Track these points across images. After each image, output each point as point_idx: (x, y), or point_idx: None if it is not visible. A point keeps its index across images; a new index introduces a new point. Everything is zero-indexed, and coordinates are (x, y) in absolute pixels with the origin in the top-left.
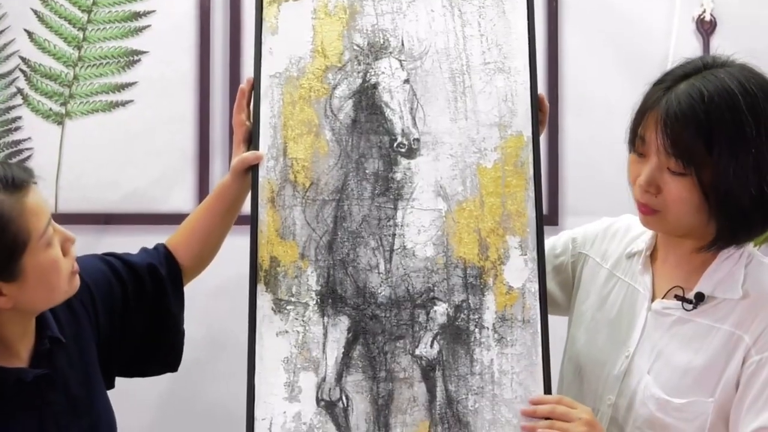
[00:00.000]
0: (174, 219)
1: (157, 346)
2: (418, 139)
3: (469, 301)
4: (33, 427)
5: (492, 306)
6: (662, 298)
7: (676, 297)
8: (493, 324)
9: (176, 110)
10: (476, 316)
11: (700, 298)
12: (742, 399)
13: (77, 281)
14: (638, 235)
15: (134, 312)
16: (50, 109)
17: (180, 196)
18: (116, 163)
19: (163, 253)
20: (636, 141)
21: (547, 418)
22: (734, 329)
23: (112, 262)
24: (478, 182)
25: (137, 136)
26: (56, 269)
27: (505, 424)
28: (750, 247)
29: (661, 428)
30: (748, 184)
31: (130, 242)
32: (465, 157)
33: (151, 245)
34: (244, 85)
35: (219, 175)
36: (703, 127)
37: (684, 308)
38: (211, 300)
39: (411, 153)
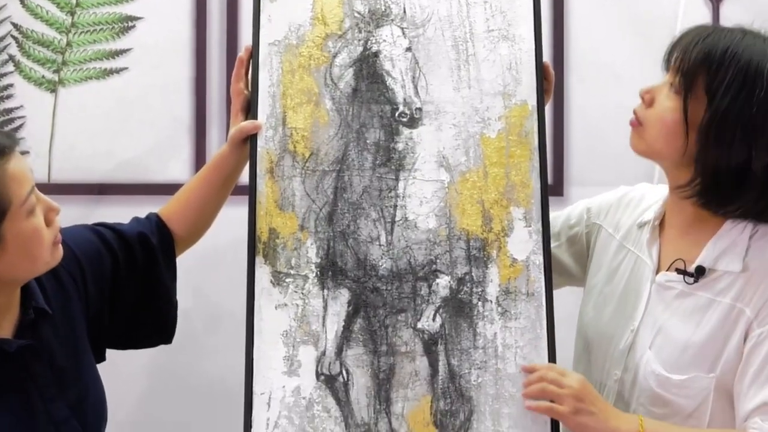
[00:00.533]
0: (170, 189)
1: (149, 317)
2: (420, 109)
3: (472, 274)
4: (18, 400)
5: (495, 279)
6: (666, 270)
7: (677, 270)
8: (497, 297)
9: (172, 78)
10: (479, 289)
11: (700, 271)
12: (744, 373)
13: (60, 252)
14: (650, 204)
15: (125, 282)
16: (43, 77)
17: (176, 166)
18: (110, 132)
19: (155, 222)
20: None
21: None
22: (735, 302)
23: (102, 231)
24: (481, 152)
25: (132, 104)
26: (38, 238)
27: (509, 399)
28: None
29: (663, 404)
30: (733, 144)
31: (124, 213)
32: (468, 126)
33: (145, 216)
34: (242, 53)
35: (216, 144)
36: (717, 60)
37: (685, 281)
38: (207, 272)
39: (413, 122)
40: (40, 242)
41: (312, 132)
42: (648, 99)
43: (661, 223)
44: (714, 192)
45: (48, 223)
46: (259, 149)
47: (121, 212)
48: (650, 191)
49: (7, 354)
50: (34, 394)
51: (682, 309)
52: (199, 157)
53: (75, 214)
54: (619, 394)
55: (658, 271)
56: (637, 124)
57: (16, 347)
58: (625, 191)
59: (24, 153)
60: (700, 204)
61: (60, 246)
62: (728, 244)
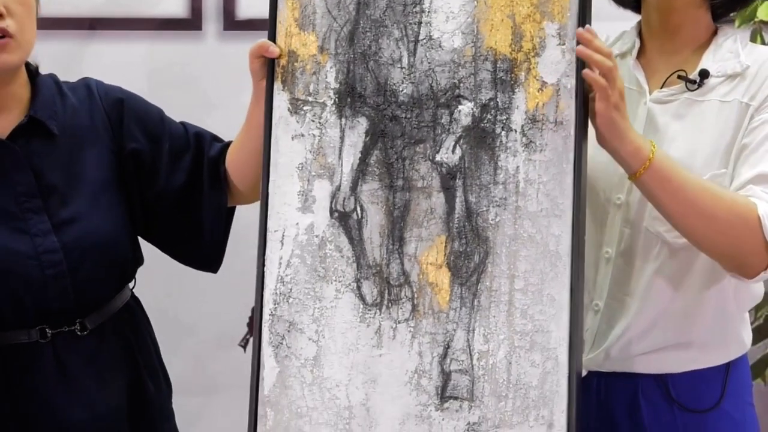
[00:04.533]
0: (164, 24)
1: (185, 225)
2: None
3: (497, 100)
4: None
5: (522, 105)
6: (661, 88)
7: (679, 77)
8: (522, 126)
9: None
10: (504, 117)
11: (704, 74)
12: (741, 154)
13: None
14: (619, 37)
15: (171, 162)
16: None
17: None
18: None
19: (218, 148)
20: None
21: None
22: (741, 99)
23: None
24: None
25: None
26: None
27: (527, 240)
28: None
29: None
30: None
31: (117, 50)
32: None
33: (139, 52)
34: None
35: None
36: None
37: (688, 88)
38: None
39: None
40: None
41: None
42: None
43: (640, 53)
44: None
45: None
46: None
47: (114, 49)
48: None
49: None
50: (9, 199)
51: (689, 117)
52: None
53: (65, 51)
54: (625, 219)
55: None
56: None
57: None
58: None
59: None
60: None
61: (4, 54)
62: (725, 51)
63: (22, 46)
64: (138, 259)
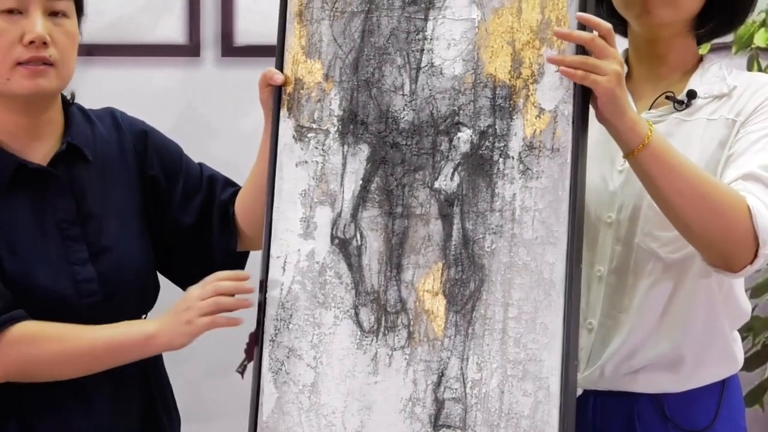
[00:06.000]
0: (162, 50)
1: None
2: None
3: (496, 127)
4: (36, 226)
5: (520, 132)
6: (649, 109)
7: (667, 98)
8: (519, 153)
9: None
10: (502, 144)
11: (692, 95)
12: (726, 162)
13: (32, 84)
14: None
15: (183, 201)
16: None
17: (168, 24)
18: None
19: (230, 192)
20: None
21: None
22: (727, 115)
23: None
24: None
25: None
26: None
27: (522, 268)
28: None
29: (670, 227)
30: None
31: (115, 76)
32: None
33: (137, 79)
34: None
35: (210, 3)
36: None
37: (676, 108)
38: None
39: None
40: None
41: None
42: None
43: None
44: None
45: (23, 42)
46: None
47: (112, 74)
48: None
49: (29, 176)
50: (52, 225)
51: (677, 138)
52: (193, 15)
53: None
54: (616, 237)
55: None
56: None
57: (34, 167)
58: None
59: None
60: (697, 30)
61: (38, 79)
62: (711, 75)
63: (62, 75)
64: (157, 287)
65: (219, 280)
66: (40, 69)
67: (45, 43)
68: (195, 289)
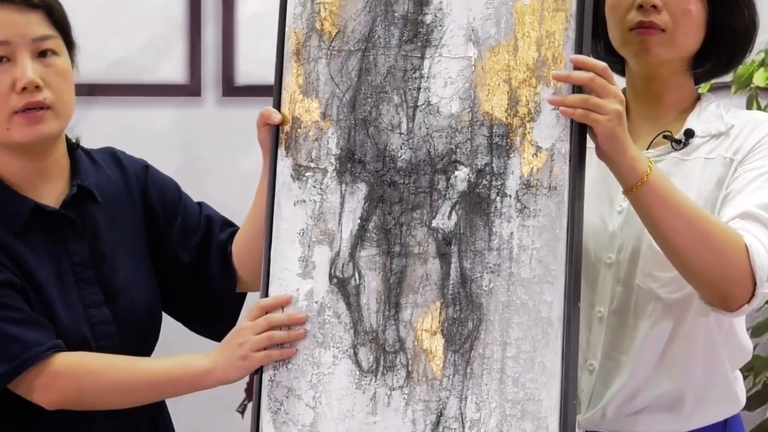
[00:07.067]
0: (163, 90)
1: (194, 296)
2: None
3: (493, 165)
4: (52, 269)
5: (517, 170)
6: (647, 149)
7: (665, 137)
8: (517, 191)
9: None
10: (499, 182)
11: (690, 134)
12: (723, 201)
13: (31, 131)
14: None
15: (183, 237)
16: None
17: (169, 66)
18: (101, 31)
19: (228, 233)
20: None
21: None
22: (725, 154)
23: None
24: (513, 22)
25: (123, 1)
26: None
27: (520, 307)
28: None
29: (670, 267)
30: (742, 4)
31: (117, 115)
32: None
33: (139, 118)
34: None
35: (211, 43)
36: None
37: (674, 148)
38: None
39: None
40: None
41: (340, 7)
42: (660, 4)
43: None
44: (731, 56)
45: (15, 89)
46: (287, 29)
47: (114, 115)
48: None
49: (44, 219)
50: (67, 269)
51: (675, 176)
52: (194, 57)
53: None
54: (616, 278)
55: None
56: (658, 30)
57: (50, 210)
58: None
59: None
60: (695, 69)
61: (38, 125)
62: (708, 114)
63: (60, 115)
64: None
65: (263, 308)
66: (38, 115)
67: (38, 87)
68: (247, 323)
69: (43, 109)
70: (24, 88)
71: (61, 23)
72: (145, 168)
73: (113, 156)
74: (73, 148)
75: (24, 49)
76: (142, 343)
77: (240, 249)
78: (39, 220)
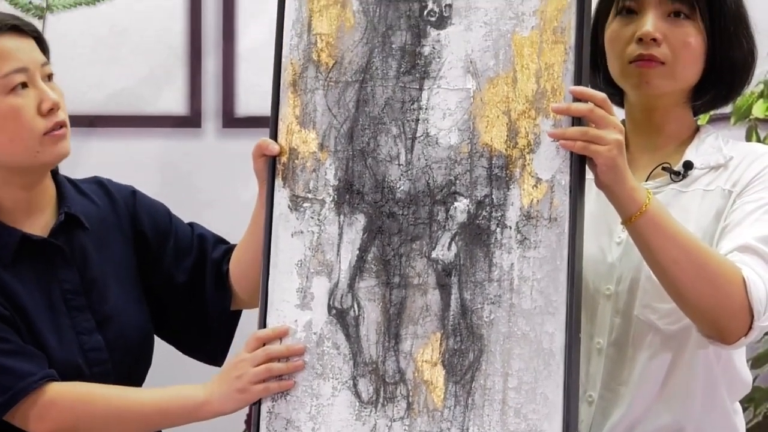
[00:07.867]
0: (164, 121)
1: (189, 321)
2: (450, 5)
3: (493, 196)
4: (42, 299)
5: (517, 202)
6: (646, 180)
7: (664, 169)
8: (517, 223)
9: (165, 3)
10: (499, 214)
11: (689, 166)
12: (721, 233)
13: (60, 149)
14: None
15: (176, 258)
16: (30, 2)
17: (170, 96)
18: (101, 61)
19: (222, 250)
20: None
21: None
22: (723, 186)
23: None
24: (512, 54)
25: (124, 32)
26: (15, 117)
27: (521, 338)
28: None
29: (669, 299)
30: (737, 35)
31: (117, 147)
32: (500, 24)
33: (139, 150)
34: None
35: (212, 73)
36: None
37: (673, 180)
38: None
39: (441, 22)
40: (18, 122)
41: (337, 38)
42: (660, 37)
43: None
44: (729, 88)
45: (41, 112)
46: (283, 59)
47: (114, 146)
48: None
49: (32, 248)
50: (58, 296)
51: (674, 208)
52: (194, 87)
53: None
54: (615, 309)
55: None
56: (658, 63)
57: (38, 239)
58: None
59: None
60: (694, 101)
61: (63, 143)
62: (707, 146)
63: (69, 136)
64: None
65: (261, 340)
66: (62, 133)
67: (59, 107)
68: (245, 354)
69: (63, 128)
70: (51, 110)
71: (48, 50)
72: (133, 193)
73: (100, 184)
74: (54, 173)
75: (38, 74)
76: (134, 369)
77: (237, 272)
78: (27, 249)
